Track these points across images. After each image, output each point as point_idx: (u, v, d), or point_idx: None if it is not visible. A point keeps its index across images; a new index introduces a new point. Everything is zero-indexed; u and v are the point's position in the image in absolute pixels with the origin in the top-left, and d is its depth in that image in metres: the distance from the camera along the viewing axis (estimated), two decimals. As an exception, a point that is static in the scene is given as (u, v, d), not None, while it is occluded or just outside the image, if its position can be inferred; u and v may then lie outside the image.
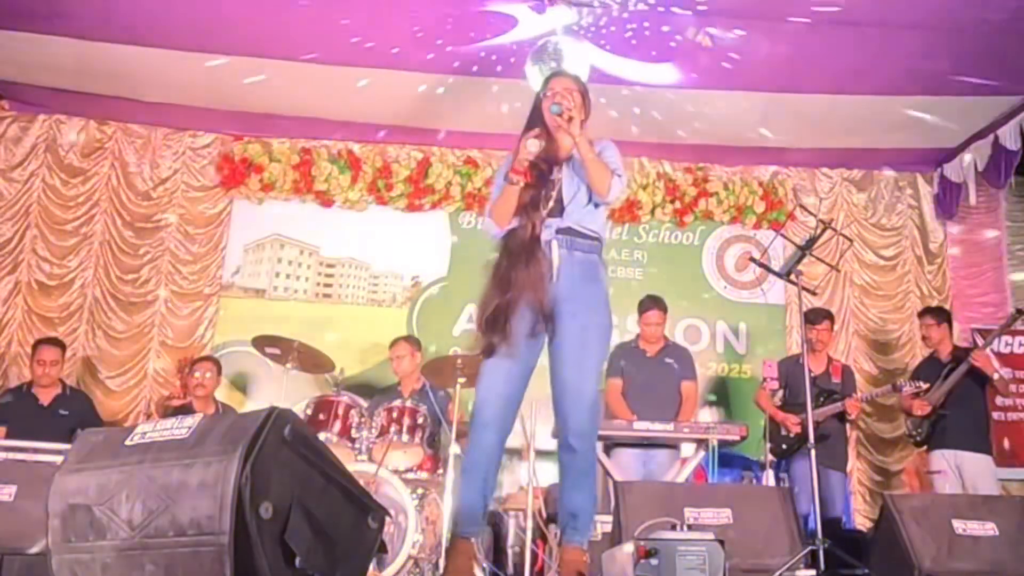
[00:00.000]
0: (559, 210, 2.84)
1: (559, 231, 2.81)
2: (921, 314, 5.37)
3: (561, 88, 2.93)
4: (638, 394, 4.96)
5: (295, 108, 6.16)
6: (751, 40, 5.04)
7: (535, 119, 2.94)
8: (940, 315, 5.23)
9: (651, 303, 5.09)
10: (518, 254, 2.79)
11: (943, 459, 4.93)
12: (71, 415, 5.10)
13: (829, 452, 4.76)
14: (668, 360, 5.04)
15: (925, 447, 5.09)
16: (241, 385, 6.15)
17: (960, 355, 5.00)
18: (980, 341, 5.31)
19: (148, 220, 6.44)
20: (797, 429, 4.95)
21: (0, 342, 6.10)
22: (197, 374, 5.21)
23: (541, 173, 2.86)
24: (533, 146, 2.79)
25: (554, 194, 2.85)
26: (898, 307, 6.59)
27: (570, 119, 2.79)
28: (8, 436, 4.68)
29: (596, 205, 2.87)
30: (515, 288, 2.76)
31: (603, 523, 4.07)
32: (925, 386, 4.89)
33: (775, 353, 6.02)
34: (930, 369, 5.08)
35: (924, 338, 5.31)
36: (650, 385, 4.97)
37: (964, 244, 6.75)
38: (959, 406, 4.90)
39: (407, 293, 6.53)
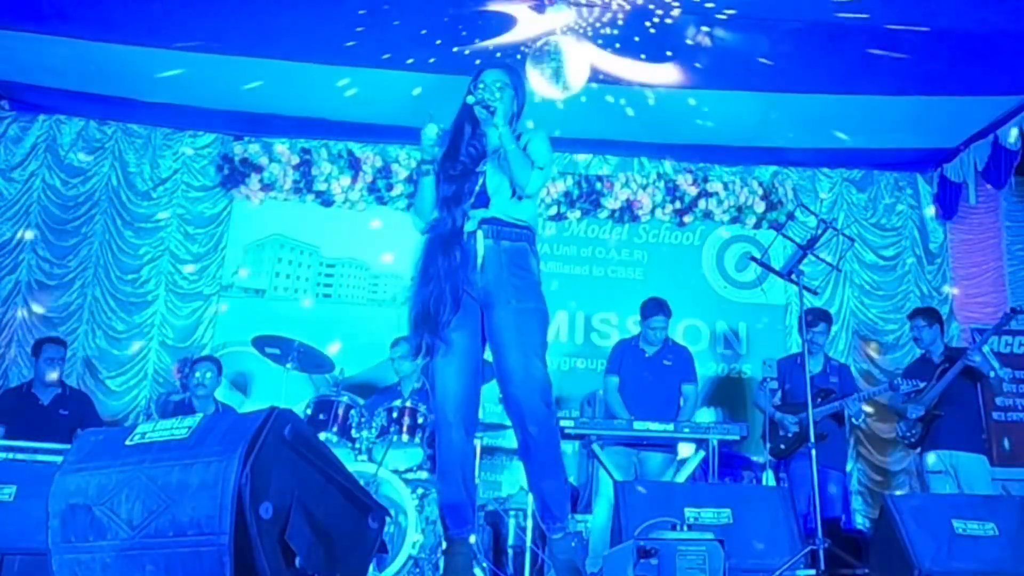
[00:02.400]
0: (484, 201, 2.82)
1: (484, 221, 2.80)
2: (912, 316, 5.37)
3: (488, 81, 2.89)
4: (635, 393, 4.95)
5: (295, 108, 6.16)
6: (751, 40, 5.04)
7: (464, 113, 2.90)
8: (931, 316, 5.24)
9: (657, 309, 5.00)
10: (437, 247, 2.79)
11: (938, 460, 4.93)
12: (71, 415, 5.11)
13: (827, 452, 4.76)
14: (666, 362, 5.02)
15: (919, 448, 5.09)
16: (241, 385, 6.15)
17: (953, 355, 5.00)
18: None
19: (148, 220, 6.44)
20: (795, 428, 4.95)
21: (0, 342, 6.10)
22: (198, 374, 5.21)
23: (465, 167, 2.85)
24: (430, 131, 2.79)
25: (478, 187, 2.83)
26: (898, 307, 6.59)
27: (491, 110, 2.77)
28: (8, 436, 4.69)
29: (521, 197, 2.83)
30: (434, 281, 2.75)
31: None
32: (923, 385, 4.89)
33: (775, 353, 6.02)
34: (922, 370, 5.08)
35: (915, 340, 5.31)
36: (647, 385, 4.95)
37: (964, 244, 6.75)
38: (953, 406, 4.90)
39: (407, 293, 6.51)
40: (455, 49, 5.26)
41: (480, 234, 2.78)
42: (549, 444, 2.76)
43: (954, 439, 4.90)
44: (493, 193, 2.82)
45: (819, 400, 4.90)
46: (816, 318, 5.22)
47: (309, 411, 4.38)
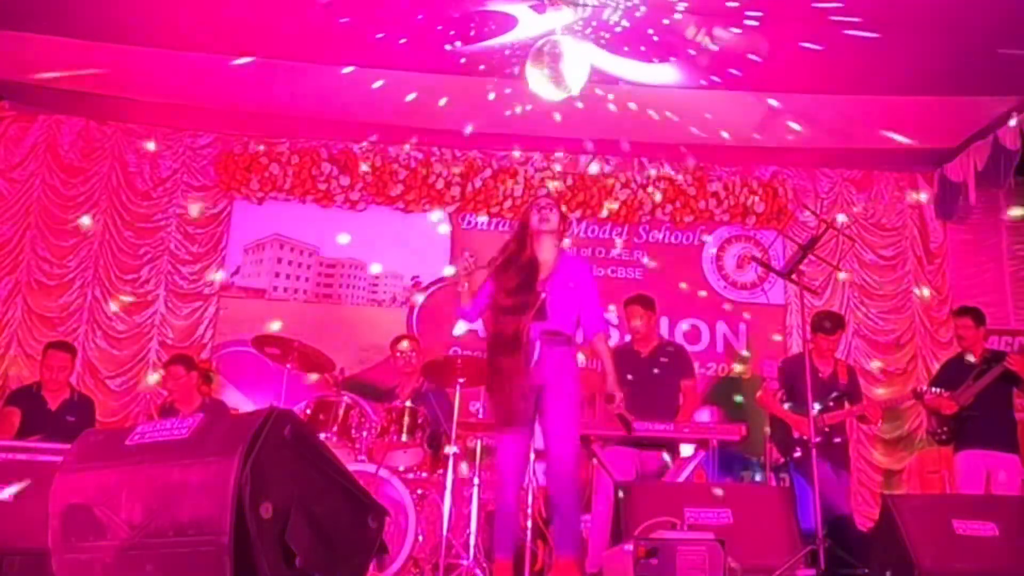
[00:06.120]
0: (543, 317, 3.41)
1: (544, 332, 3.40)
2: (960, 313, 5.27)
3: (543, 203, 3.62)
4: (635, 394, 4.92)
5: (295, 108, 6.16)
6: (751, 40, 5.03)
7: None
8: (979, 319, 5.17)
9: (632, 299, 5.05)
10: (503, 347, 3.35)
11: (972, 459, 4.92)
12: (78, 421, 5.07)
13: (840, 454, 4.76)
14: (663, 359, 5.01)
15: (952, 446, 5.07)
16: (241, 385, 6.14)
17: (991, 357, 4.98)
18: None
19: (148, 220, 6.44)
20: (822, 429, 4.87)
21: (0, 342, 6.09)
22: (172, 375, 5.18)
23: (523, 282, 3.42)
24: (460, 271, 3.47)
25: (539, 304, 3.41)
26: (898, 307, 6.58)
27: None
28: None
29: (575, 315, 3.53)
30: (503, 374, 3.31)
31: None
32: (946, 394, 4.88)
33: (775, 353, 6.01)
34: (959, 369, 5.07)
35: (959, 338, 5.25)
36: (646, 386, 4.93)
37: (964, 244, 6.75)
38: (989, 407, 4.88)
39: (407, 293, 6.53)
40: (455, 48, 5.27)
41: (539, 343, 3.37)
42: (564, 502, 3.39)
43: (991, 439, 4.88)
44: (551, 313, 3.42)
45: (831, 404, 4.87)
46: (824, 318, 5.18)
47: (309, 411, 4.37)
